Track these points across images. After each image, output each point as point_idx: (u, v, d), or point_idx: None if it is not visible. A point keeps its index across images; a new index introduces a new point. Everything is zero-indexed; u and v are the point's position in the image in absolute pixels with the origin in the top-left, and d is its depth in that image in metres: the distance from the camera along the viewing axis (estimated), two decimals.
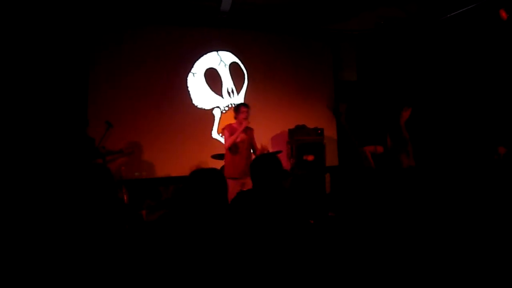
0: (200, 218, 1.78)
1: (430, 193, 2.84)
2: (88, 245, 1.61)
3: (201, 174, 1.87)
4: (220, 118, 5.92)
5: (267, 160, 2.22)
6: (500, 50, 4.58)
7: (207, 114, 5.84)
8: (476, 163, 4.26)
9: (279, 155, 4.36)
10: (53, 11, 4.73)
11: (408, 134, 4.24)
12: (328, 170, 6.08)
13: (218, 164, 5.19)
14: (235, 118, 4.24)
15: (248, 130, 4.27)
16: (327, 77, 6.60)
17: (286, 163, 5.61)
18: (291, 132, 5.81)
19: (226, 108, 5.97)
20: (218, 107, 5.92)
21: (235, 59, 6.05)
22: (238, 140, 4.13)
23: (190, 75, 5.75)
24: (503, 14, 4.26)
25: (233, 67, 6.03)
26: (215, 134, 5.88)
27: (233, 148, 4.14)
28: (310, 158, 5.63)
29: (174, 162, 5.53)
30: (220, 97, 5.93)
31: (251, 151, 4.38)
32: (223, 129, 4.23)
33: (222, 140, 5.89)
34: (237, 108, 4.24)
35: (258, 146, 4.42)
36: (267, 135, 5.96)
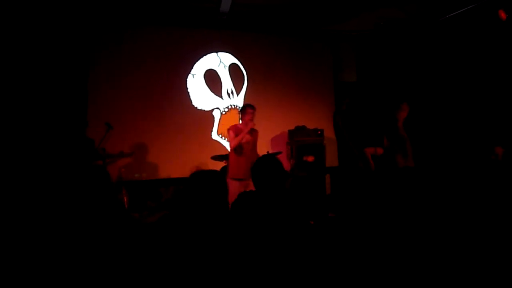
0: (200, 219, 1.78)
1: (427, 193, 2.83)
2: (83, 246, 1.61)
3: (201, 176, 1.88)
4: (220, 119, 5.92)
5: (268, 161, 2.22)
6: (500, 51, 4.59)
7: (207, 115, 5.84)
8: (473, 163, 4.26)
9: (279, 156, 4.36)
10: (53, 11, 4.73)
11: (406, 134, 4.24)
12: (328, 171, 6.08)
13: (218, 165, 5.19)
14: (241, 118, 4.24)
15: (253, 132, 4.27)
16: (327, 78, 6.61)
17: (286, 164, 5.61)
18: (291, 133, 5.81)
19: (226, 109, 5.97)
20: (217, 108, 5.92)
21: (234, 60, 6.05)
22: (244, 141, 4.13)
23: (189, 76, 5.75)
24: (502, 15, 4.26)
25: (232, 68, 6.03)
26: (215, 135, 5.88)
27: (238, 149, 4.13)
28: (310, 159, 5.63)
29: (174, 163, 5.52)
30: (219, 98, 5.93)
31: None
32: (228, 129, 4.22)
33: (222, 141, 5.90)
34: (243, 109, 4.23)
35: (258, 150, 4.42)
36: (267, 136, 5.96)
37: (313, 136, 5.78)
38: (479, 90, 4.83)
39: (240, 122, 5.88)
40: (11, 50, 4.52)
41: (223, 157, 5.04)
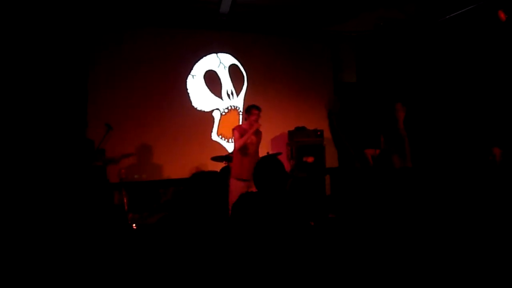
0: (200, 220, 1.77)
1: (423, 194, 2.83)
2: (81, 246, 1.60)
3: (202, 177, 1.88)
4: (219, 120, 5.92)
5: (270, 163, 2.21)
6: (499, 51, 4.59)
7: (207, 116, 5.84)
8: (471, 163, 4.26)
9: (279, 157, 4.35)
10: (53, 11, 4.73)
11: (406, 135, 4.24)
12: (328, 171, 6.08)
13: (217, 166, 5.19)
14: (245, 119, 4.23)
15: (257, 133, 4.28)
16: (327, 79, 6.61)
17: (286, 165, 5.59)
18: (291, 134, 5.81)
19: (226, 110, 5.97)
20: (217, 109, 5.92)
21: (234, 61, 6.05)
22: (248, 141, 4.14)
23: (189, 77, 5.75)
24: (502, 15, 4.26)
25: (232, 69, 6.03)
26: (214, 136, 5.87)
27: (242, 149, 4.13)
28: (310, 159, 5.63)
29: (174, 164, 5.52)
30: (219, 99, 5.93)
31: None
32: (233, 129, 4.21)
33: (221, 142, 5.90)
34: (249, 109, 4.21)
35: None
36: (267, 136, 5.95)
37: (313, 137, 5.78)
38: (478, 90, 4.83)
39: (240, 123, 5.94)
40: (11, 50, 4.52)
41: (223, 158, 5.04)
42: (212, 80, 5.88)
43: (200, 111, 5.80)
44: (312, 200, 5.43)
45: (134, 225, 4.42)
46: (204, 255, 1.66)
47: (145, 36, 5.51)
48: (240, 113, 6.07)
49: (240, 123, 5.94)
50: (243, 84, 6.09)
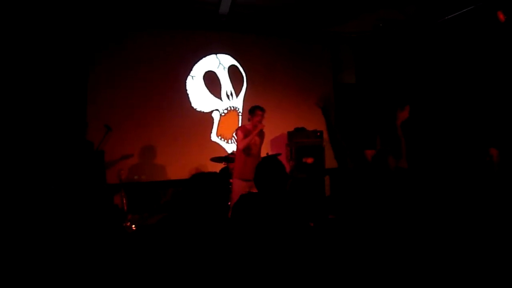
0: (200, 221, 1.77)
1: (419, 195, 2.83)
2: (79, 247, 1.60)
3: (201, 178, 1.87)
4: (219, 121, 5.92)
5: (271, 163, 2.22)
6: (498, 52, 4.59)
7: (206, 117, 5.84)
8: (468, 164, 4.25)
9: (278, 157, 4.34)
10: (54, 11, 4.73)
11: (403, 135, 4.24)
12: (328, 172, 6.07)
13: (217, 167, 5.19)
14: (249, 120, 4.23)
15: (261, 133, 4.28)
16: (327, 80, 6.61)
17: (285, 166, 5.59)
18: (290, 134, 5.80)
19: (225, 111, 5.97)
20: (217, 110, 5.92)
21: (234, 62, 6.05)
22: (252, 142, 4.14)
23: (189, 78, 5.75)
24: (501, 16, 4.26)
25: (232, 70, 6.03)
26: (214, 137, 5.87)
27: (245, 150, 4.13)
28: (310, 160, 5.62)
29: (173, 165, 5.52)
30: (219, 100, 5.93)
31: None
32: (236, 130, 4.24)
33: (221, 143, 5.89)
34: (252, 110, 4.22)
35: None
36: (266, 137, 5.90)
37: (312, 138, 5.77)
38: (476, 91, 4.83)
39: (240, 124, 5.93)
40: (11, 50, 4.52)
41: (223, 159, 5.03)
42: (211, 81, 5.88)
43: (200, 112, 5.80)
44: (312, 201, 5.42)
45: (133, 226, 4.41)
46: (204, 255, 1.66)
47: (145, 37, 5.51)
48: (240, 114, 6.07)
49: (240, 124, 5.94)
50: (242, 85, 6.09)
